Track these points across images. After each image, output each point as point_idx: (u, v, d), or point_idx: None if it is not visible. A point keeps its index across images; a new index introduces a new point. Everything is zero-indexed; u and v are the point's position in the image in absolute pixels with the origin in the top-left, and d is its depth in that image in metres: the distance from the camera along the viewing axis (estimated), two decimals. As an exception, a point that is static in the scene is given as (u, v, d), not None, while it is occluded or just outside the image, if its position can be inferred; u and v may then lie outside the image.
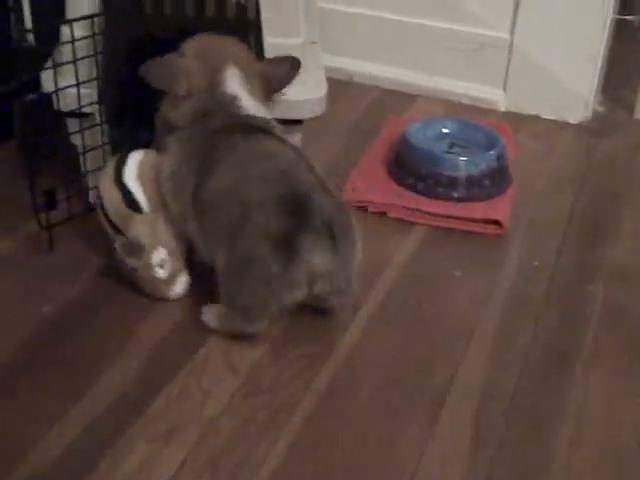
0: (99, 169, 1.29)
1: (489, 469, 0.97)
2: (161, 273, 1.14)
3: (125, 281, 1.19)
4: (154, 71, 1.17)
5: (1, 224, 1.34)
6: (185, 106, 1.19)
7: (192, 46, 1.21)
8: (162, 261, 1.14)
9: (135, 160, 1.19)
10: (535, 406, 1.06)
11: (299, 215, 1.06)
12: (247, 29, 1.54)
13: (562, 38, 1.73)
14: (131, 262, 1.13)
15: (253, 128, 1.17)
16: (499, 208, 1.44)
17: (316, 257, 1.06)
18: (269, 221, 1.06)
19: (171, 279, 1.16)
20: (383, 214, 1.43)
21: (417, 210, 1.43)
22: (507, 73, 1.81)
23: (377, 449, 0.99)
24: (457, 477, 0.96)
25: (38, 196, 1.26)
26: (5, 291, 1.21)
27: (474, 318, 1.20)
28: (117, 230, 1.17)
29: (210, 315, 1.15)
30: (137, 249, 1.13)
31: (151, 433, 0.99)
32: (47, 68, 1.23)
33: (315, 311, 1.16)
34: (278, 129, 1.20)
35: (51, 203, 1.28)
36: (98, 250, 1.28)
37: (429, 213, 1.42)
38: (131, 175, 1.17)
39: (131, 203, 1.16)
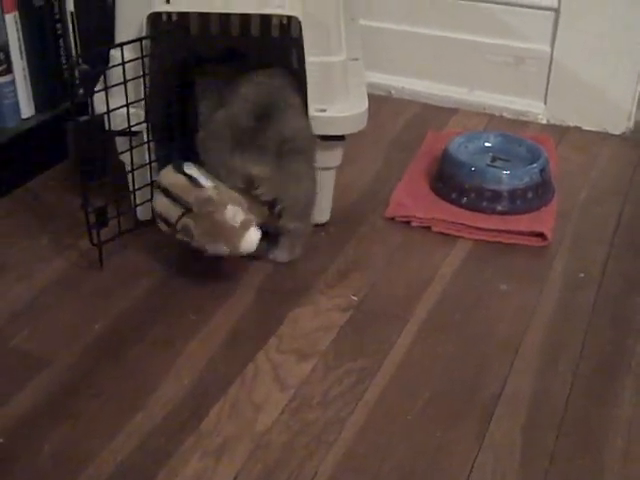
0: (146, 186, 1.33)
1: (542, 482, 0.97)
2: (236, 220, 1.21)
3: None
4: None
5: (55, 243, 1.37)
6: None
7: None
8: (234, 212, 1.21)
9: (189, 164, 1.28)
10: (586, 419, 1.06)
11: (261, 121, 1.22)
12: (290, 47, 1.56)
13: (603, 49, 1.73)
14: (205, 208, 1.21)
15: None
16: (543, 220, 1.44)
17: (252, 163, 1.22)
18: (236, 113, 1.23)
19: (243, 229, 1.21)
20: (427, 228, 1.44)
21: (461, 224, 1.43)
22: (548, 85, 1.81)
23: (427, 461, 0.99)
24: (509, 490, 0.96)
25: (90, 214, 1.28)
26: (58, 309, 1.23)
27: (521, 331, 1.20)
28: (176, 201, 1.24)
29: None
30: (209, 201, 1.21)
31: (204, 448, 1.00)
32: (99, 90, 1.26)
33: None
34: None
35: (103, 221, 1.31)
36: (147, 266, 1.31)
37: (473, 227, 1.43)
38: (190, 166, 1.27)
39: (195, 183, 1.25)
